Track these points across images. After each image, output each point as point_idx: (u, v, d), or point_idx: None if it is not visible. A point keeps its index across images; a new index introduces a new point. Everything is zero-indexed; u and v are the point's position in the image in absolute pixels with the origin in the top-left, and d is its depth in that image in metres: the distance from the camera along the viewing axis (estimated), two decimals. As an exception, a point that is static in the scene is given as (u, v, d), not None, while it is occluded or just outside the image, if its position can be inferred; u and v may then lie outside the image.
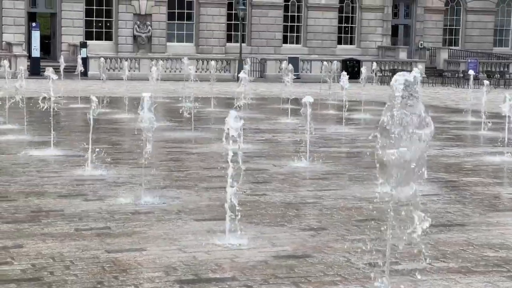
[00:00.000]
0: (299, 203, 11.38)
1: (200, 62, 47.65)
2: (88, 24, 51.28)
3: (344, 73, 25.10)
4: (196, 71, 28.94)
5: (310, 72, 48.18)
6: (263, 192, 12.15)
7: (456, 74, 47.07)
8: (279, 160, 15.44)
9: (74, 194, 11.81)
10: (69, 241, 8.98)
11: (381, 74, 44.03)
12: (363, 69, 28.28)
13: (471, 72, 31.20)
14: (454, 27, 57.23)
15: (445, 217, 10.55)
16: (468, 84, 45.38)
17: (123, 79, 29.15)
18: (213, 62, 35.59)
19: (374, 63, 38.57)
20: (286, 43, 54.42)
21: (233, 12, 52.86)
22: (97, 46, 49.81)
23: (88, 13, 51.19)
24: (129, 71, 32.20)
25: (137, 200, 11.20)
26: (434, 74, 48.88)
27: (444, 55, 53.65)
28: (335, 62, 42.65)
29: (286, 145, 18.58)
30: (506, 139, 16.90)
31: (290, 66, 28.94)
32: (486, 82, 22.38)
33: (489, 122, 20.16)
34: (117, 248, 8.68)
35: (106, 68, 41.41)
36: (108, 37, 51.72)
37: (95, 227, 9.70)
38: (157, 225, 9.85)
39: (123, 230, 9.54)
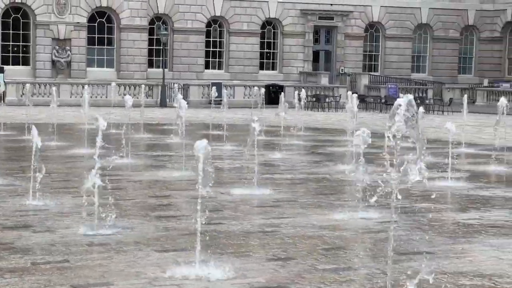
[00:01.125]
0: (259, 232, 11.09)
1: (123, 87, 47.05)
2: (4, 48, 50.14)
3: (282, 97, 24.94)
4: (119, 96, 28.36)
5: (233, 98, 48.01)
6: (218, 221, 11.81)
7: (379, 100, 47.56)
8: (225, 188, 15.11)
9: (20, 225, 11.26)
10: (29, 276, 8.49)
11: (306, 100, 44.14)
12: (302, 94, 28.13)
13: (401, 96, 31.32)
14: (373, 53, 57.97)
15: (411, 244, 10.39)
16: (389, 109, 46.01)
17: (43, 105, 28.43)
18: (143, 87, 35.08)
19: (303, 89, 38.60)
20: (208, 68, 54.24)
21: (155, 37, 52.45)
22: (14, 71, 48.71)
23: (5, 37, 50.09)
24: (48, 96, 31.44)
25: (89, 231, 10.73)
26: (356, 99, 49.22)
27: (364, 80, 54.25)
28: (257, 87, 42.55)
29: (228, 171, 18.29)
30: (449, 163, 16.92)
31: (224, 91, 28.66)
32: (421, 109, 22.45)
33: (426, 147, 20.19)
34: (82, 283, 8.24)
35: (22, 93, 40.47)
36: (26, 62, 50.64)
37: (53, 260, 9.21)
38: (118, 257, 9.42)
39: (83, 263, 9.09)
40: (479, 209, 13.31)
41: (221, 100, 42.55)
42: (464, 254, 9.87)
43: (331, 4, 55.77)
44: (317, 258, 9.58)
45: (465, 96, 25.35)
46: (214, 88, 39.02)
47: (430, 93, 51.11)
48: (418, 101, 46.39)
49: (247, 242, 10.43)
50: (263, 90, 36.17)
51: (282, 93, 32.05)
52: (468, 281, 8.61)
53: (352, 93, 25.93)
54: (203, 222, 11.05)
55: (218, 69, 54.72)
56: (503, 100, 19.55)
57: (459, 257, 9.73)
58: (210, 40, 54.48)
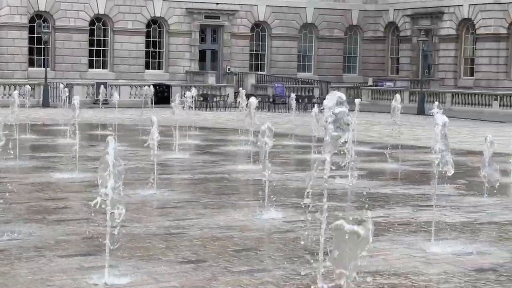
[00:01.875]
0: (165, 234, 10.72)
1: (2, 87, 45.68)
2: None
3: (177, 97, 24.48)
4: None
5: (119, 97, 47.10)
6: (121, 223, 11.35)
7: (267, 99, 47.64)
8: (123, 189, 14.60)
9: None
10: None
11: (194, 99, 43.77)
12: (192, 93, 27.73)
13: (292, 96, 31.40)
14: (260, 53, 58.07)
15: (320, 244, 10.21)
16: (277, 108, 46.11)
17: None
18: (28, 87, 33.97)
19: (193, 88, 38.19)
20: (92, 67, 53.19)
21: (36, 35, 51.06)
22: None
23: None
24: None
25: (-16, 237, 10.16)
26: (240, 98, 49.16)
27: (251, 79, 54.27)
28: (147, 87, 41.87)
29: (124, 172, 17.73)
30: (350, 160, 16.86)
31: (116, 91, 27.98)
32: (315, 109, 22.42)
33: (314, 146, 20.32)
34: (-15, 293, 7.72)
35: None
36: None
37: (-51, 269, 8.62)
38: (20, 264, 8.92)
39: (-18, 272, 8.54)
40: (383, 206, 13.30)
41: (106, 100, 41.75)
42: (377, 253, 9.75)
43: (217, 3, 55.58)
44: (229, 260, 9.30)
45: (357, 100, 25.48)
46: (102, 87, 38.21)
47: (316, 92, 51.52)
48: (306, 100, 46.74)
49: (155, 245, 10.05)
50: (152, 89, 35.54)
51: (178, 93, 31.57)
52: (385, 280, 8.49)
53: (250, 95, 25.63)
54: (107, 225, 10.64)
55: (102, 68, 53.72)
56: (398, 98, 19.70)
57: (372, 255, 9.60)
58: (94, 39, 53.42)
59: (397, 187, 15.73)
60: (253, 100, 18.73)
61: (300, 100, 44.54)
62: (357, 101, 25.02)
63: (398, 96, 19.87)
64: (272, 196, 12.59)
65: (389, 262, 9.31)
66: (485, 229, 11.31)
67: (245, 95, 29.43)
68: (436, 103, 27.45)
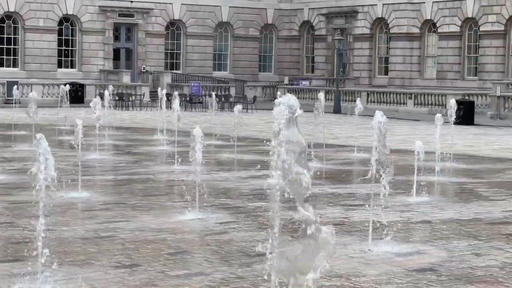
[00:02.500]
0: (95, 238, 10.36)
1: None
2: None
3: (98, 97, 23.99)
4: None
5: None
6: (48, 227, 10.94)
7: (183, 98, 47.19)
8: (45, 191, 14.14)
9: None
10: None
11: (110, 98, 43.10)
12: (109, 91, 27.19)
13: (213, 94, 31.10)
14: (175, 51, 57.60)
15: (258, 246, 10.01)
16: (194, 107, 45.77)
17: None
18: None
19: (111, 87, 37.57)
20: (3, 66, 51.89)
21: None
22: None
23: None
24: None
25: None
26: (158, 98, 48.69)
27: (167, 78, 53.74)
28: (63, 85, 40.97)
29: (44, 174, 17.21)
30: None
31: (32, 92, 27.23)
32: (238, 107, 22.22)
33: (236, 145, 20.18)
34: None
35: None
36: None
37: None
38: None
39: None
40: (314, 206, 13.13)
41: (18, 99, 40.73)
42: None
43: (131, 1, 54.92)
44: (165, 263, 9.02)
45: (278, 92, 25.36)
46: (15, 87, 37.22)
47: (232, 91, 51.36)
48: (223, 99, 46.55)
49: (85, 249, 9.70)
50: (68, 88, 34.79)
51: (92, 92, 30.83)
52: (326, 282, 8.33)
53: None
54: (27, 228, 10.23)
55: (13, 67, 52.46)
56: (321, 96, 19.66)
57: (310, 256, 9.44)
58: (4, 37, 52.11)
59: (325, 186, 15.64)
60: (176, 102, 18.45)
61: (217, 99, 44.26)
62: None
63: (322, 94, 19.81)
64: (201, 197, 12.34)
65: (335, 263, 9.14)
66: (419, 228, 11.30)
67: (166, 94, 29.13)
68: (359, 99, 27.56)
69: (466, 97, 41.98)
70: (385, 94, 46.99)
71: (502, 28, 47.57)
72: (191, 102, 46.58)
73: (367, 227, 10.31)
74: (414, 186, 13.84)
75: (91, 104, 20.76)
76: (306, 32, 59.69)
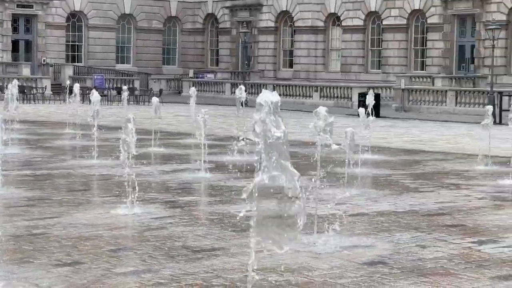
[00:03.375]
0: (28, 235, 9.91)
1: None
2: None
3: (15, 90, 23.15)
4: None
5: None
6: (-25, 225, 10.44)
7: (87, 91, 46.23)
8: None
9: None
10: None
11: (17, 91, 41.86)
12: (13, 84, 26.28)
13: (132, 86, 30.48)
14: (77, 43, 56.45)
15: (201, 241, 9.76)
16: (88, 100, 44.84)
17: None
18: None
19: (14, 80, 36.35)
20: None
21: None
22: None
23: None
24: None
25: None
26: (63, 91, 47.62)
27: (69, 71, 52.57)
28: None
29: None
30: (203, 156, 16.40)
31: None
32: (155, 99, 21.78)
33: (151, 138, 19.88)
34: None
35: None
36: None
37: None
38: None
39: None
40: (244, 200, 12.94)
41: None
42: (259, 249, 9.38)
43: (31, -8, 53.55)
44: (109, 261, 8.67)
45: (193, 88, 25.11)
46: None
47: (137, 84, 50.63)
48: (128, 92, 45.77)
49: (20, 247, 9.25)
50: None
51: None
52: (279, 277, 8.14)
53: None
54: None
55: None
56: (241, 89, 19.44)
57: (256, 251, 9.22)
58: None
59: (250, 179, 15.40)
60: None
61: (121, 93, 43.54)
62: (192, 90, 24.55)
63: (243, 87, 19.61)
64: (129, 192, 11.97)
65: (276, 258, 8.92)
66: (358, 221, 11.21)
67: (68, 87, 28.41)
68: (272, 90, 27.48)
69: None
70: (291, 87, 47.12)
71: (405, 22, 48.39)
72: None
73: (309, 220, 10.14)
74: (344, 179, 13.75)
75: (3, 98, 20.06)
76: (210, 25, 59.41)
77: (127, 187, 11.79)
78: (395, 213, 11.76)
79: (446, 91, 40.18)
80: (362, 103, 39.54)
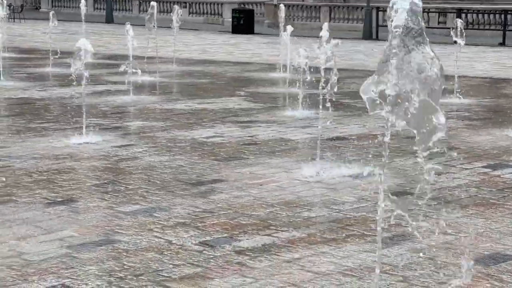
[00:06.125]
0: (-11, 169, 8.61)
1: None
2: None
3: None
4: None
5: None
6: None
7: None
8: None
9: None
10: None
11: None
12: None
13: None
14: None
15: (189, 173, 8.74)
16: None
17: None
18: None
19: None
20: None
21: None
22: None
23: None
24: None
25: None
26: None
27: None
28: None
29: None
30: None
31: None
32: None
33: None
34: None
35: None
36: None
37: None
38: None
39: None
40: (204, 126, 11.94)
41: None
42: (259, 177, 8.49)
43: None
44: (104, 197, 7.61)
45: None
46: None
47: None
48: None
49: (-10, 184, 7.99)
50: None
51: None
52: (310, 213, 7.27)
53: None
54: None
55: None
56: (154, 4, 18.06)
57: (263, 182, 8.30)
58: None
59: (190, 102, 14.34)
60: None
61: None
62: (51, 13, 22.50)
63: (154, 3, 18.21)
64: (67, 118, 10.74)
65: (291, 190, 8.07)
66: (340, 145, 10.41)
67: None
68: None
69: (242, 6, 41.56)
70: (158, 4, 45.31)
71: None
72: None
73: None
74: (299, 100, 12.89)
75: None
76: None
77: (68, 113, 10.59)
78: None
79: (319, 6, 39.76)
80: (236, 20, 38.71)
